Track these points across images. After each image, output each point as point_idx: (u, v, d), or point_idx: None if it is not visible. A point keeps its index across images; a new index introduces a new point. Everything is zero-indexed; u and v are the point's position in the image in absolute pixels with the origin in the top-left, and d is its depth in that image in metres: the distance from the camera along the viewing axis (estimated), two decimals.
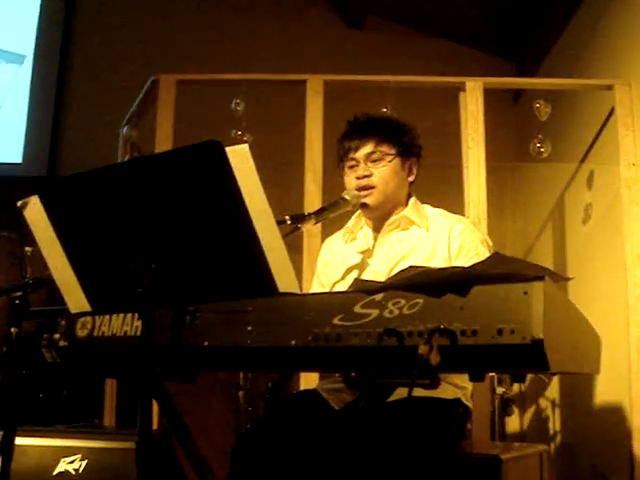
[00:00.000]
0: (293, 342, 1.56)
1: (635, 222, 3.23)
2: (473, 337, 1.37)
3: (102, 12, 5.42)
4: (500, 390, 3.88)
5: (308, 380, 2.84)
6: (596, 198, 3.83)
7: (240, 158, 1.41)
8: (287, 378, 1.70)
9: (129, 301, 1.55)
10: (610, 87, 3.40)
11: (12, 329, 1.85)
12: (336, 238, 2.51)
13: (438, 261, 2.24)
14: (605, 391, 3.60)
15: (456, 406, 2.20)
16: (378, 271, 2.29)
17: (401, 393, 1.65)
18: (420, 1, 5.31)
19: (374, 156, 2.32)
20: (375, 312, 1.49)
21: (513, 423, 4.53)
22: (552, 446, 4.13)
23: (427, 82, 3.62)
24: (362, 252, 2.38)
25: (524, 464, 2.30)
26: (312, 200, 3.22)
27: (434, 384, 1.40)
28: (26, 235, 1.75)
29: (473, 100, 3.35)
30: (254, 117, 3.41)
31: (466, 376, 1.51)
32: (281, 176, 3.04)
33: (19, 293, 1.88)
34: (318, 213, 2.21)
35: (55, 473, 2.41)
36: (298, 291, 1.49)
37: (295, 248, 2.91)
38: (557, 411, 4.20)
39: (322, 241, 2.68)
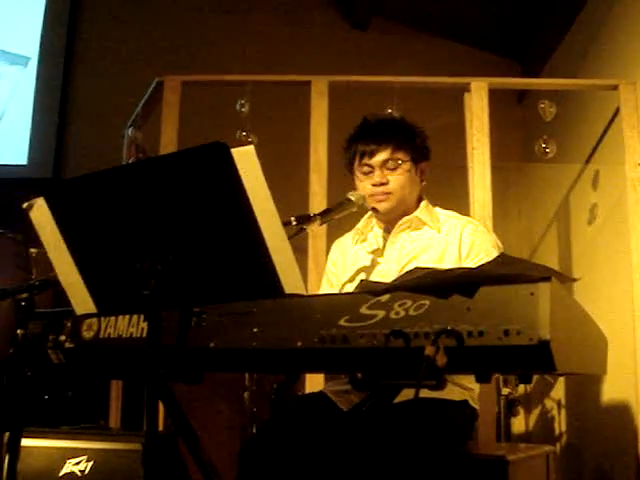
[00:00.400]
0: (299, 343, 1.56)
1: None
2: (480, 338, 1.37)
3: (106, 14, 5.42)
4: (506, 391, 3.88)
5: (314, 381, 2.84)
6: (601, 198, 3.83)
7: (246, 159, 1.41)
8: (293, 380, 1.70)
9: (135, 303, 1.55)
10: (615, 87, 3.39)
11: (18, 330, 1.85)
12: (346, 239, 2.52)
13: (449, 262, 2.25)
14: (611, 392, 3.59)
15: (463, 408, 2.20)
16: (389, 270, 2.30)
17: (408, 394, 1.65)
18: (424, 2, 5.31)
19: (390, 164, 2.33)
20: (381, 313, 1.49)
21: (519, 424, 4.53)
22: (558, 447, 4.12)
23: (431, 83, 3.61)
24: (372, 252, 2.38)
25: (530, 465, 2.30)
26: (317, 201, 3.22)
27: (440, 385, 1.40)
28: (32, 237, 1.74)
29: (478, 101, 3.34)
30: (259, 118, 3.41)
31: (473, 378, 1.51)
32: (286, 177, 3.03)
33: (25, 295, 1.88)
34: (323, 214, 2.21)
35: (61, 474, 2.42)
36: (304, 292, 1.49)
37: (300, 249, 2.91)
38: (563, 412, 4.20)
39: (327, 242, 2.68)
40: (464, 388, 2.20)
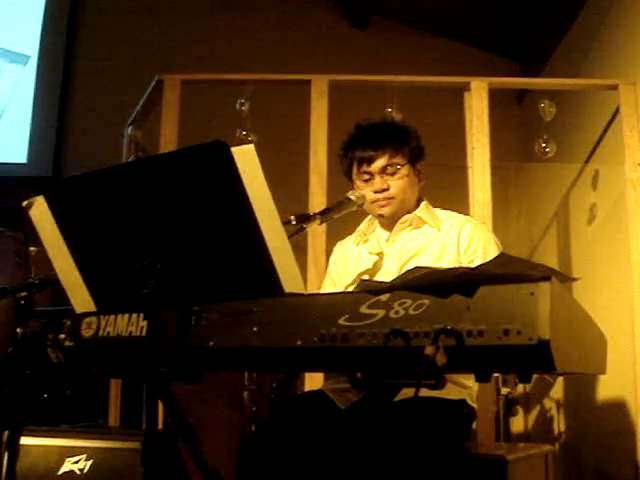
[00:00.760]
0: (299, 342, 1.56)
1: None
2: (479, 338, 1.37)
3: (106, 12, 5.42)
4: (505, 390, 3.89)
5: (313, 380, 2.84)
6: (601, 198, 3.83)
7: (246, 158, 1.41)
8: (293, 378, 1.71)
9: (134, 301, 1.55)
10: (615, 87, 3.39)
11: (17, 329, 1.85)
12: (348, 241, 2.54)
13: (448, 260, 2.27)
14: (610, 391, 3.59)
15: (461, 407, 2.20)
16: (390, 269, 2.32)
17: (406, 393, 1.65)
18: (424, 2, 5.31)
19: (389, 169, 2.34)
20: (381, 312, 1.49)
21: (518, 423, 4.53)
22: (557, 446, 4.13)
23: (431, 82, 3.61)
24: (376, 254, 2.39)
25: (529, 464, 2.30)
26: (317, 200, 3.22)
27: (440, 385, 1.40)
28: (31, 235, 1.74)
29: (478, 100, 3.34)
30: (259, 117, 3.41)
31: (471, 376, 1.51)
32: (286, 176, 3.03)
33: (24, 293, 1.88)
34: (323, 213, 2.22)
35: (60, 473, 2.41)
36: (304, 291, 1.49)
37: (300, 248, 2.91)
38: (562, 411, 4.20)
39: (327, 241, 2.67)
40: (462, 387, 2.20)
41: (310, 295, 1.67)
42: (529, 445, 2.81)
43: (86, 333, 1.89)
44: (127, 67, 5.09)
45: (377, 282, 1.59)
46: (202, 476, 1.83)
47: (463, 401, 2.21)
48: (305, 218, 2.12)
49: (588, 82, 3.75)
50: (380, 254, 2.39)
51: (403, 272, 1.58)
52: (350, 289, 2.35)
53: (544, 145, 3.47)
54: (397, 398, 1.78)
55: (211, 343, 1.67)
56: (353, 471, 1.88)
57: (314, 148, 3.31)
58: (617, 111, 3.43)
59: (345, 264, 2.47)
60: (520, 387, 4.19)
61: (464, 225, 2.34)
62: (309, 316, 1.56)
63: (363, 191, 2.35)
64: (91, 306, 1.71)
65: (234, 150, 1.41)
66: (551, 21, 4.85)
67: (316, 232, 3.07)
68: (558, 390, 4.23)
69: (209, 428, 3.15)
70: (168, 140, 3.35)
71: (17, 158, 5.23)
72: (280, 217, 1.45)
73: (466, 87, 3.39)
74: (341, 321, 1.52)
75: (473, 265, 2.18)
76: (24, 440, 1.94)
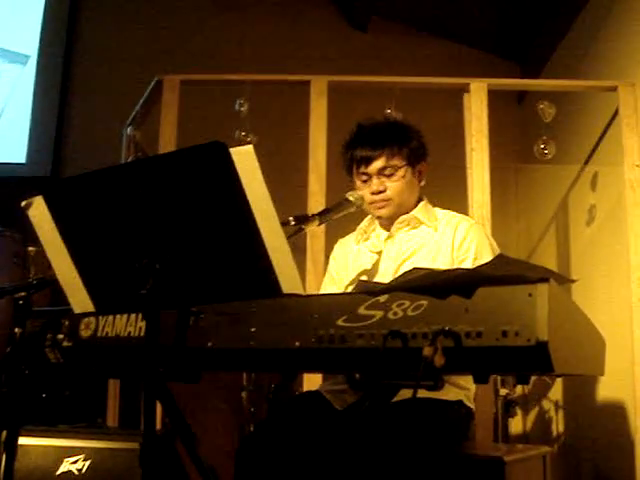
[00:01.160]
0: (297, 343, 1.56)
1: (639, 223, 3.23)
2: (478, 339, 1.37)
3: (106, 12, 5.42)
4: (503, 392, 3.88)
5: (311, 381, 2.84)
6: (600, 199, 3.83)
7: (245, 159, 1.41)
8: (291, 379, 1.71)
9: (133, 302, 1.55)
10: (614, 88, 3.39)
11: (16, 329, 1.85)
12: (349, 239, 2.54)
13: (443, 260, 2.27)
14: (609, 392, 3.59)
15: (458, 407, 2.20)
16: (387, 269, 2.32)
17: (404, 394, 1.65)
18: (424, 2, 5.30)
19: (387, 171, 2.34)
20: (379, 313, 1.49)
21: (516, 425, 4.53)
22: (555, 448, 4.13)
23: (431, 83, 3.61)
24: (376, 252, 2.40)
25: (527, 466, 2.30)
26: (316, 201, 3.22)
27: (438, 386, 1.40)
28: (30, 235, 1.74)
29: (477, 101, 3.34)
30: (258, 118, 3.41)
31: (469, 377, 1.51)
32: (285, 177, 3.03)
33: (23, 293, 1.88)
34: (322, 214, 2.22)
35: (58, 473, 2.41)
36: (302, 292, 1.49)
37: (299, 249, 2.91)
38: (560, 413, 4.20)
39: (326, 242, 2.67)
40: (460, 388, 2.20)
41: (308, 296, 1.67)
42: (527, 446, 2.80)
43: (84, 333, 1.90)
44: (126, 67, 5.09)
45: (375, 283, 1.59)
46: (200, 476, 1.83)
47: (460, 402, 2.21)
48: (304, 219, 2.12)
49: (587, 83, 3.75)
50: (380, 253, 2.39)
51: (401, 273, 1.58)
52: (350, 288, 2.35)
53: (543, 146, 3.47)
54: (395, 399, 1.79)
55: (209, 344, 1.67)
56: (351, 472, 1.88)
57: (313, 149, 3.31)
58: (616, 112, 3.43)
59: (345, 262, 2.48)
60: (519, 388, 4.18)
61: (460, 224, 2.33)
62: (307, 317, 1.56)
63: (361, 192, 2.35)
64: (89, 306, 1.71)
65: (233, 151, 1.41)
66: (551, 23, 4.85)
67: (315, 233, 3.07)
68: (557, 391, 4.23)
69: (207, 428, 3.15)
70: (167, 140, 3.35)
71: (16, 158, 5.23)
72: (279, 218, 1.44)
73: (465, 88, 3.39)
74: (339, 322, 1.52)
75: (463, 265, 2.19)
76: (22, 440, 1.94)
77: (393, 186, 2.34)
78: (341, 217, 2.28)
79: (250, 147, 1.42)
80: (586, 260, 3.99)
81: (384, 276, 2.28)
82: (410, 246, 2.34)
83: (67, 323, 1.93)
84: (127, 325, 1.82)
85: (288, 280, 1.45)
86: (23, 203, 1.69)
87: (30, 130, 5.26)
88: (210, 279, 1.56)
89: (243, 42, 5.26)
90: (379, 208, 2.36)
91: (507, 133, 4.83)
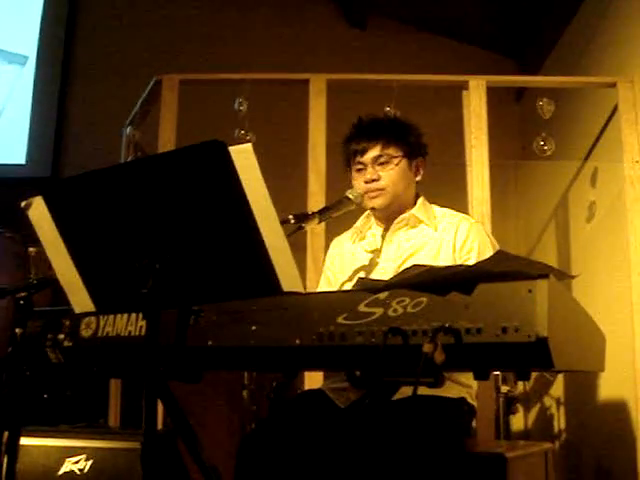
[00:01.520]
0: (297, 341, 1.56)
1: (639, 219, 3.23)
2: (478, 335, 1.37)
3: (105, 13, 5.42)
4: (504, 389, 3.88)
5: (312, 379, 2.84)
6: (600, 196, 3.83)
7: (244, 157, 1.41)
8: (292, 377, 1.71)
9: (133, 301, 1.55)
10: (613, 84, 3.39)
11: (17, 329, 1.85)
12: (344, 238, 2.52)
13: (444, 259, 2.26)
14: (610, 389, 3.59)
15: (461, 405, 2.20)
16: (386, 269, 2.31)
17: (405, 391, 1.65)
18: (422, 0, 5.30)
19: (381, 159, 2.33)
20: (379, 311, 1.49)
21: (517, 421, 4.53)
22: (557, 444, 4.13)
23: (430, 81, 3.61)
24: (371, 251, 2.39)
25: (529, 462, 2.30)
26: (315, 199, 3.22)
27: (438, 382, 1.40)
28: (30, 236, 1.74)
29: (476, 98, 3.34)
30: (257, 116, 3.41)
31: (471, 375, 1.51)
32: (284, 175, 3.03)
33: (23, 294, 1.88)
34: (322, 212, 2.22)
35: (60, 473, 2.41)
36: (302, 290, 1.49)
37: (299, 247, 2.91)
38: (562, 409, 4.20)
39: (326, 240, 2.67)
40: (462, 385, 2.20)
41: (308, 294, 1.68)
42: (529, 443, 2.81)
43: (85, 333, 1.90)
44: (125, 67, 5.09)
45: (375, 280, 1.59)
46: (202, 475, 1.83)
47: (463, 399, 2.21)
48: (304, 217, 2.13)
49: (586, 80, 3.75)
50: (376, 251, 2.38)
51: (401, 270, 1.58)
52: (346, 286, 2.35)
53: (543, 143, 3.47)
54: (397, 397, 1.79)
55: (210, 342, 1.68)
56: (353, 470, 1.88)
57: (312, 147, 3.31)
58: (615, 109, 3.43)
59: (341, 261, 2.47)
60: (520, 385, 4.18)
61: (460, 224, 2.32)
62: (307, 315, 1.57)
63: (356, 182, 2.35)
64: (90, 306, 1.71)
65: (232, 149, 1.41)
66: (549, 19, 4.85)
67: (315, 231, 3.06)
68: (558, 388, 4.23)
69: (209, 427, 3.15)
70: (166, 140, 3.35)
71: (16, 159, 5.23)
72: (278, 216, 1.44)
73: (464, 85, 3.39)
74: (339, 320, 1.52)
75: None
76: (24, 440, 1.94)
77: (387, 175, 2.33)
78: (341, 215, 2.28)
79: (249, 145, 1.41)
80: (586, 256, 3.99)
81: (383, 277, 2.26)
82: (410, 246, 2.33)
83: (68, 323, 1.93)
84: (128, 325, 1.82)
85: (288, 278, 1.45)
86: (23, 203, 1.69)
87: (29, 131, 5.26)
88: (210, 278, 1.56)
89: (242, 41, 5.26)
90: (373, 198, 2.33)
91: (506, 130, 4.83)
